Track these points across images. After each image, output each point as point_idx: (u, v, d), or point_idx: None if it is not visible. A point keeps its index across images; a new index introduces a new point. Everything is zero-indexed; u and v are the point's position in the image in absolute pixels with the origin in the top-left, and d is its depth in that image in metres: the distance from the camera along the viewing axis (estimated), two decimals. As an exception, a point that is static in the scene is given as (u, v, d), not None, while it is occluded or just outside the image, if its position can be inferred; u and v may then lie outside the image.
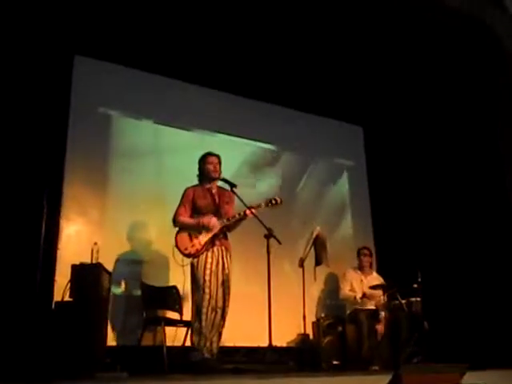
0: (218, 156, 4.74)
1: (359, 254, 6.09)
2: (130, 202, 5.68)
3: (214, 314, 4.28)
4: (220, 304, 4.33)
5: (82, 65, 5.71)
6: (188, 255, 4.40)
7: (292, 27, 5.88)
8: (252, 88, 6.69)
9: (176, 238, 4.47)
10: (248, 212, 4.45)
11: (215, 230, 4.45)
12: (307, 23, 5.82)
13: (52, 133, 5.31)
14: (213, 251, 4.43)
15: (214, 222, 4.45)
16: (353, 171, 7.49)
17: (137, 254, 5.60)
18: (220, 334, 4.39)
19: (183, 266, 4.41)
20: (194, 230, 4.45)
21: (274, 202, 4.63)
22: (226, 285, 4.41)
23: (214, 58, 6.20)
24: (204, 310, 4.23)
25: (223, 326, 4.39)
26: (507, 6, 5.78)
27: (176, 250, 4.44)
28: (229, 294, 4.43)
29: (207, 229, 4.42)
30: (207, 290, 4.28)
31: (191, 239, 4.43)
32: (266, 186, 6.58)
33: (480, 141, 6.16)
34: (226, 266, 4.46)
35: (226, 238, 4.59)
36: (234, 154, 6.52)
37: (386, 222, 7.11)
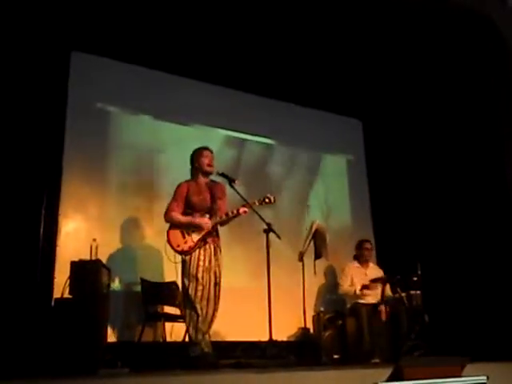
0: (211, 150, 4.71)
1: (361, 247, 6.04)
2: (128, 198, 5.68)
3: (207, 309, 4.29)
4: (212, 300, 4.33)
5: (79, 61, 5.69)
6: (180, 252, 4.36)
7: (291, 21, 5.84)
8: (250, 83, 6.67)
9: (168, 234, 4.42)
10: (241, 210, 4.42)
11: (208, 229, 4.43)
12: (306, 17, 5.79)
13: (50, 129, 5.30)
14: (205, 249, 4.40)
15: (207, 223, 4.42)
16: (352, 165, 7.48)
17: (136, 250, 5.60)
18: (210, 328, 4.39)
19: (175, 262, 4.39)
20: (186, 228, 4.42)
21: (267, 200, 4.54)
22: (217, 281, 4.41)
23: (212, 52, 6.18)
24: (198, 306, 4.23)
25: (213, 321, 4.38)
26: (508, -1, 5.76)
27: (168, 246, 4.40)
28: (219, 290, 4.41)
29: (200, 229, 4.40)
30: (200, 287, 4.27)
31: (184, 236, 4.39)
32: (264, 180, 6.56)
33: (480, 134, 6.14)
34: (217, 263, 4.45)
35: (217, 234, 4.56)
36: (233, 148, 6.51)
37: (386, 215, 7.11)
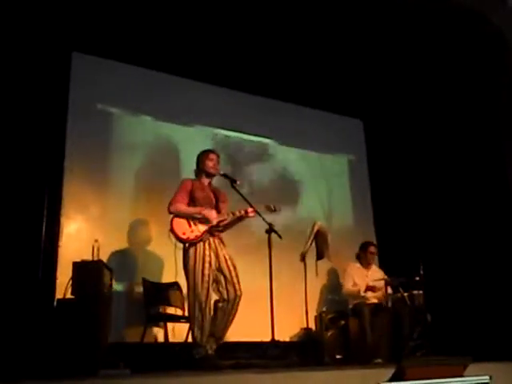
0: (217, 154, 4.71)
1: (366, 249, 6.01)
2: (130, 198, 5.69)
3: (222, 306, 4.24)
4: (226, 296, 4.27)
5: (80, 62, 5.70)
6: (186, 240, 4.27)
7: (292, 21, 5.85)
8: (251, 83, 6.67)
9: (172, 222, 4.32)
10: (250, 210, 4.40)
11: (214, 223, 4.38)
12: (307, 17, 5.79)
13: (51, 130, 5.30)
14: (209, 243, 4.34)
15: (215, 217, 4.38)
16: (354, 164, 7.48)
17: (138, 251, 5.60)
18: (227, 328, 4.34)
19: (179, 249, 4.30)
20: (192, 219, 4.35)
21: (273, 208, 4.53)
22: (232, 274, 4.31)
23: (213, 53, 6.18)
24: (203, 306, 4.15)
25: (233, 318, 4.32)
26: (508, -1, 5.75)
27: (171, 235, 4.32)
28: (238, 282, 4.31)
29: (206, 221, 4.34)
30: (205, 285, 4.18)
31: (190, 225, 4.32)
32: (266, 181, 6.56)
33: (480, 133, 6.13)
34: (226, 256, 4.38)
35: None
36: (234, 149, 6.51)
37: (388, 215, 7.10)
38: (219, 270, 4.33)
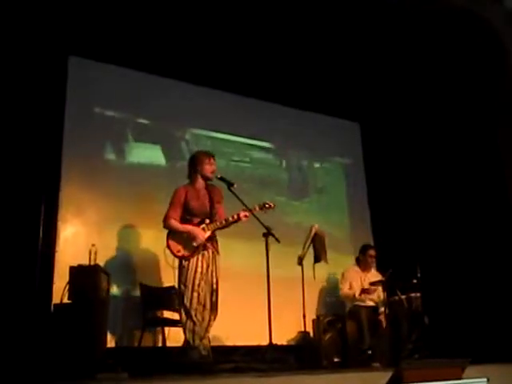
0: (214, 157, 4.71)
1: (365, 253, 6.02)
2: (127, 203, 5.66)
3: (203, 315, 4.33)
4: (208, 306, 4.37)
5: (76, 66, 5.70)
6: (181, 257, 4.40)
7: (288, 24, 5.85)
8: (248, 86, 6.67)
9: (168, 239, 4.46)
10: (242, 215, 4.44)
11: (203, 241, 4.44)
12: (304, 19, 5.79)
13: (48, 135, 5.29)
14: (203, 255, 4.43)
15: (202, 237, 4.41)
16: (350, 167, 7.49)
17: (135, 255, 5.59)
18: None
19: (174, 268, 4.42)
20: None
21: (267, 206, 4.60)
22: (214, 288, 4.43)
23: (210, 56, 6.18)
24: (193, 313, 4.27)
25: (210, 326, 4.42)
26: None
27: (167, 251, 4.44)
28: (217, 297, 4.44)
29: (193, 239, 4.41)
30: (195, 294, 4.30)
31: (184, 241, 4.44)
32: (262, 184, 6.56)
33: (478, 135, 6.13)
34: (215, 270, 4.47)
35: (216, 240, 4.58)
36: (231, 152, 6.51)
37: (385, 218, 7.10)
38: (206, 282, 4.40)
